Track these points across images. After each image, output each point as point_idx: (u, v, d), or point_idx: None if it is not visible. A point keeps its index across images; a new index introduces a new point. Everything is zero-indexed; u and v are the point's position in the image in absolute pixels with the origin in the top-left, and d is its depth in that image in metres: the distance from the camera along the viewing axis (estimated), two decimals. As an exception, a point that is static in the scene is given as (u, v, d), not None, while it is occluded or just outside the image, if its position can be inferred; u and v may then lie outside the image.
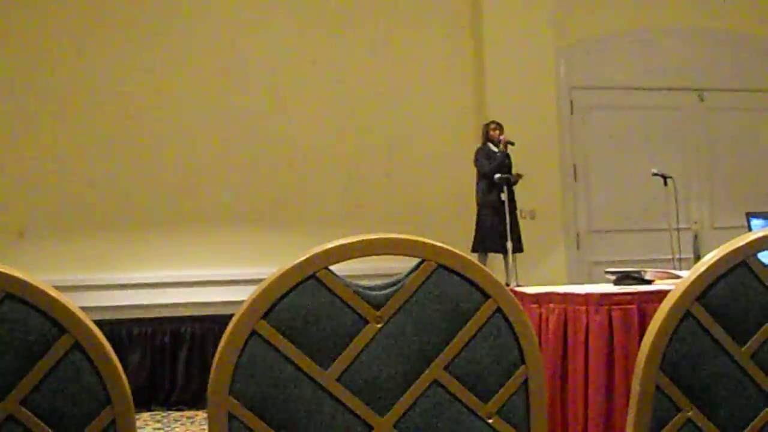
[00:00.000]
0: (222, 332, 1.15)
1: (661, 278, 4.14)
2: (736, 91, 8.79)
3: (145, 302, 7.29)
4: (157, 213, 7.66)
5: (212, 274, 7.44)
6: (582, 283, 5.58)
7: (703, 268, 1.27)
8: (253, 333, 1.13)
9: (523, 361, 1.23)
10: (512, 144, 7.03)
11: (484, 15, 8.11)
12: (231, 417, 1.13)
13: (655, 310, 1.29)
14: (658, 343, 1.26)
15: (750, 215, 5.44)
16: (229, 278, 7.26)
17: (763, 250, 1.30)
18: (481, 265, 1.23)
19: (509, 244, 6.67)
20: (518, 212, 7.03)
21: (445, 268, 1.20)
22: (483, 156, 7.06)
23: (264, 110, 7.92)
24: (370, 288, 1.18)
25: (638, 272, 4.14)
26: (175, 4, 7.89)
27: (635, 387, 1.27)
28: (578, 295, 3.83)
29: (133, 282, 7.38)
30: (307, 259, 1.16)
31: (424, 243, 1.20)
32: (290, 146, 7.93)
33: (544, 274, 7.20)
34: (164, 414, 6.75)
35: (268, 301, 1.14)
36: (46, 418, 1.06)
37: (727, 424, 1.28)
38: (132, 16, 7.77)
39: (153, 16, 7.81)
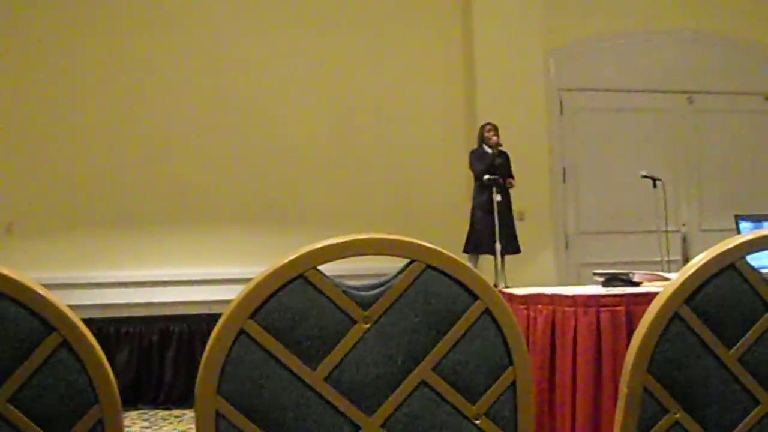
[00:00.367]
0: (210, 331, 1.15)
1: (650, 280, 4.15)
2: (725, 93, 8.83)
3: (134, 301, 7.28)
4: (146, 212, 7.65)
5: (201, 273, 7.43)
6: (570, 285, 5.59)
7: (691, 271, 1.28)
8: (242, 332, 1.13)
9: (511, 363, 1.23)
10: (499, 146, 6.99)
11: (474, 16, 8.12)
12: (219, 416, 1.13)
13: (643, 312, 1.29)
14: (646, 345, 1.26)
15: (739, 218, 5.45)
16: (218, 277, 7.25)
17: (752, 252, 1.30)
18: (470, 266, 1.23)
19: (498, 246, 6.66)
20: (513, 214, 7.02)
21: (434, 268, 1.20)
22: (475, 158, 7.07)
23: (253, 111, 7.92)
24: (358, 288, 1.18)
25: (626, 274, 4.15)
26: (173, 6, 7.88)
27: (623, 389, 1.27)
28: (566, 296, 3.84)
29: (122, 280, 7.37)
30: (295, 258, 1.16)
31: (412, 243, 1.20)
32: (280, 147, 7.93)
33: (532, 275, 7.19)
34: (152, 413, 6.73)
35: (257, 301, 1.14)
36: (34, 416, 1.05)
37: (715, 426, 1.28)
38: (128, 15, 7.75)
39: (150, 17, 7.79)
